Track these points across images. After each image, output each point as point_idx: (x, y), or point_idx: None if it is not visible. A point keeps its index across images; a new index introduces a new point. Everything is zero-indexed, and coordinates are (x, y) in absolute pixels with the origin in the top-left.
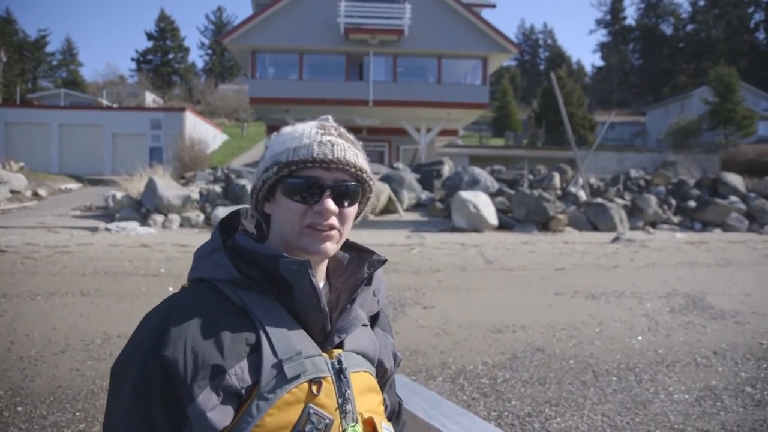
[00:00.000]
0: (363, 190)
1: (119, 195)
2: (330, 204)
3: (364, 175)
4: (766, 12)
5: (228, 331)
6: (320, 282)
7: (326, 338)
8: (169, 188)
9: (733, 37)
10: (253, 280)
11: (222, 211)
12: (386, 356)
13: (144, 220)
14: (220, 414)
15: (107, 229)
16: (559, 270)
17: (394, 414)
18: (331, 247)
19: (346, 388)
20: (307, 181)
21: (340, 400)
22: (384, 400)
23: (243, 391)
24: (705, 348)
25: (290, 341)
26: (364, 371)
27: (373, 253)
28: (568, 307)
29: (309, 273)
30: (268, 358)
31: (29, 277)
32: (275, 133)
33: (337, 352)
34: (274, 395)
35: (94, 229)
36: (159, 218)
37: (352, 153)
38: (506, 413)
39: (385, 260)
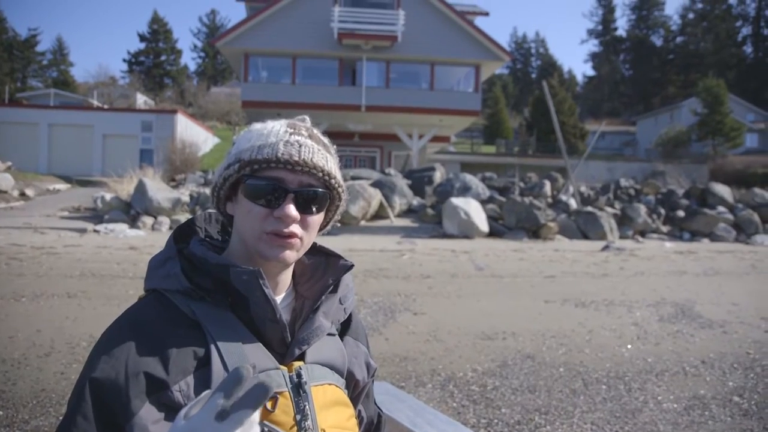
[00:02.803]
0: (331, 198)
1: (108, 196)
2: (291, 210)
3: (333, 181)
4: (754, 26)
5: (174, 345)
6: (284, 289)
7: (287, 350)
8: (159, 190)
9: (721, 49)
10: (206, 291)
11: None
12: (357, 367)
13: (133, 222)
14: (164, 430)
15: (95, 231)
16: (549, 278)
17: (372, 426)
18: (291, 255)
19: (305, 402)
20: (269, 182)
21: (298, 416)
22: (359, 412)
23: None
24: (693, 357)
25: (243, 355)
26: (330, 384)
27: (341, 257)
28: (557, 314)
29: (260, 283)
30: (217, 373)
31: (14, 278)
32: (245, 128)
33: (297, 364)
34: None
35: (82, 231)
36: (148, 220)
37: (321, 156)
38: (496, 421)
39: (352, 265)
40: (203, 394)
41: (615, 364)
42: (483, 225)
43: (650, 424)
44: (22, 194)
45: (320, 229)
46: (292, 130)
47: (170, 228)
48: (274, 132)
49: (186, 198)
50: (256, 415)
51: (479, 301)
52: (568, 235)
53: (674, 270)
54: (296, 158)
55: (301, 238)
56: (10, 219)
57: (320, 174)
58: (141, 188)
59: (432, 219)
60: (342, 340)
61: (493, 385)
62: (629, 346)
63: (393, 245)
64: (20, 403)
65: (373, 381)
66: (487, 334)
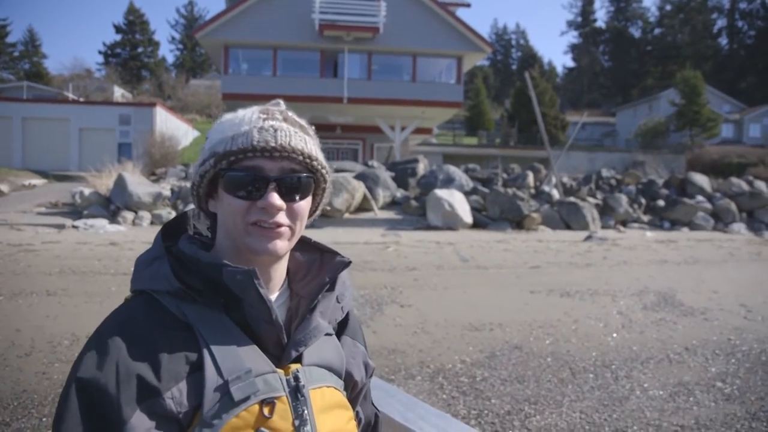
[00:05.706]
0: (316, 181)
1: (87, 191)
2: (275, 199)
3: (315, 163)
4: (729, 18)
5: (166, 350)
6: (278, 287)
7: (283, 352)
8: (139, 185)
9: (698, 41)
10: (197, 291)
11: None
12: (355, 367)
13: (113, 217)
14: None
15: (74, 227)
16: (533, 268)
17: (370, 427)
18: (282, 245)
19: (304, 407)
20: (248, 173)
21: (296, 422)
22: (357, 413)
23: (181, 416)
24: (677, 344)
25: (238, 358)
26: (328, 386)
27: (337, 254)
28: (543, 305)
29: (255, 283)
30: (211, 378)
31: None
32: (216, 120)
33: (294, 367)
34: (220, 420)
35: (61, 227)
36: (129, 215)
37: (300, 139)
38: (486, 412)
39: (349, 262)
40: None
41: (601, 352)
42: (467, 216)
43: (637, 411)
44: None
45: (309, 215)
46: (265, 116)
47: (151, 223)
48: (246, 119)
49: (167, 192)
50: None
51: (465, 292)
52: (551, 225)
53: (656, 259)
54: (273, 144)
55: (289, 227)
56: None
57: (301, 157)
58: (121, 183)
59: (416, 211)
60: (339, 339)
61: (482, 376)
62: (615, 335)
63: (377, 238)
64: (1, 405)
65: (370, 380)
66: (474, 326)
